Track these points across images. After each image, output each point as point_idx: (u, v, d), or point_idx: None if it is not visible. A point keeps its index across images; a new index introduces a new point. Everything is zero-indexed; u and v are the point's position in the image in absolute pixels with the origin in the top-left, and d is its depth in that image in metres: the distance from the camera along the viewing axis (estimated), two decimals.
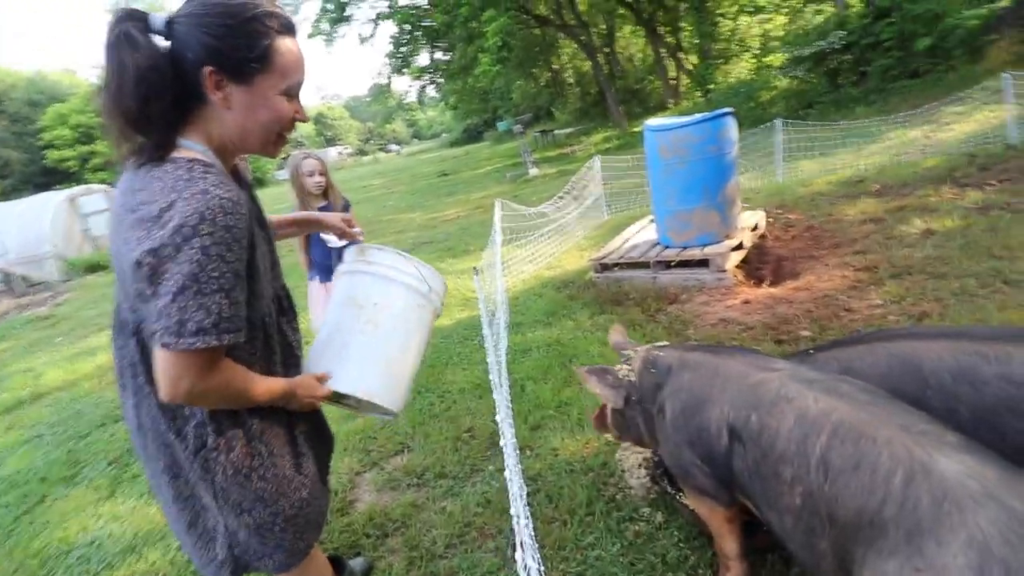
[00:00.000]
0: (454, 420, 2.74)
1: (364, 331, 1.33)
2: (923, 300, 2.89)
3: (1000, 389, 1.13)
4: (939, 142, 6.36)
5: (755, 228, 4.32)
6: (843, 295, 3.16)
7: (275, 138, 1.07)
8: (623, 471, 2.04)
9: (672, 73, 19.73)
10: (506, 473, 1.54)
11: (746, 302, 3.34)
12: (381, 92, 22.25)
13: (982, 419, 1.15)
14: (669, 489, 1.76)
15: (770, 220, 4.81)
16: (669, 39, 19.62)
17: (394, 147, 66.30)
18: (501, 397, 2.14)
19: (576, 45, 20.90)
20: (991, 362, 1.16)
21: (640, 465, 2.02)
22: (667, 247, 4.02)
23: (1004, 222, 3.66)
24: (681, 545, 1.68)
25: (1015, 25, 8.65)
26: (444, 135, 59.94)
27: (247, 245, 0.96)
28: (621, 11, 19.73)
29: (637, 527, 1.79)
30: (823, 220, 4.70)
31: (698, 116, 3.68)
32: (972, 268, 3.11)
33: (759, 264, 4.15)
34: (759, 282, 3.83)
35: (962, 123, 6.84)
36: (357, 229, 1.53)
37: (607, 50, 21.58)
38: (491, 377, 2.37)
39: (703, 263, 3.76)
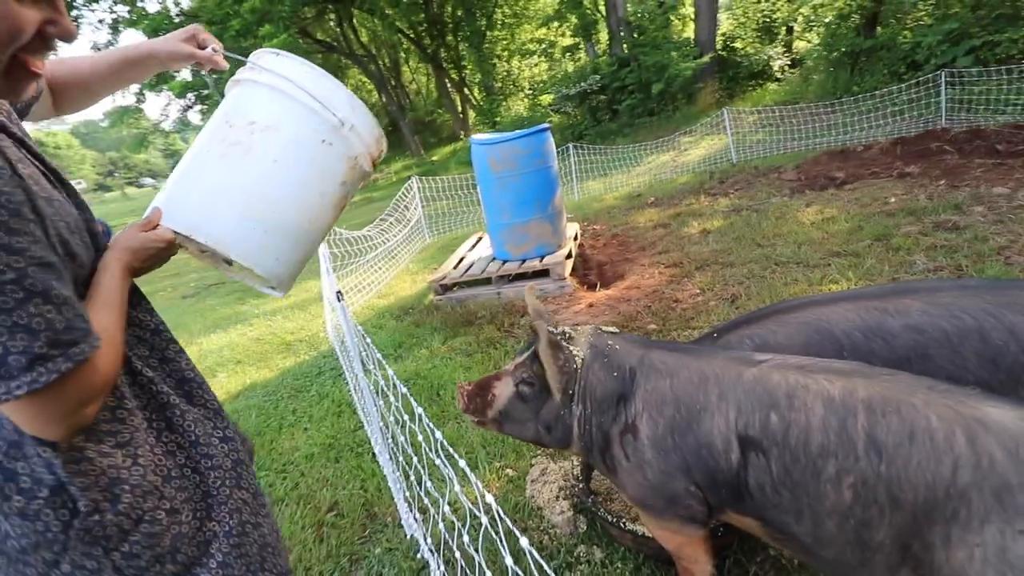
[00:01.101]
0: (308, 500, 2.15)
1: (226, 155, 0.94)
2: (728, 286, 3.37)
3: (908, 339, 1.22)
4: (683, 163, 7.87)
5: (575, 238, 4.61)
6: (667, 289, 3.51)
7: (9, 65, 0.62)
8: (539, 508, 1.82)
9: (459, 107, 20.79)
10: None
11: (591, 305, 3.47)
12: (123, 114, 18.20)
13: (898, 368, 1.23)
14: (600, 512, 1.59)
15: (580, 231, 5.23)
16: (453, 74, 20.67)
17: (149, 180, 55.33)
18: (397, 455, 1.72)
19: (364, 75, 20.48)
20: (894, 315, 1.26)
21: (558, 496, 1.82)
22: (506, 261, 3.99)
23: (754, 219, 4.58)
24: None
25: (713, 76, 11.42)
26: None
27: (34, 215, 0.63)
28: (405, 44, 20.08)
29: (578, 573, 1.58)
30: (623, 228, 5.31)
31: (521, 131, 3.77)
32: (749, 256, 3.78)
33: (584, 271, 4.42)
34: (591, 287, 4.06)
35: (695, 149, 8.60)
36: (215, 45, 1.08)
37: (393, 82, 21.69)
38: (371, 433, 1.91)
39: (543, 273, 3.82)
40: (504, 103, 19.33)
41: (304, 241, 1.02)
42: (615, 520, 1.53)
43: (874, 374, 0.97)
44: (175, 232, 0.90)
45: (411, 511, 1.83)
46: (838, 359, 1.29)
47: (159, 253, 0.88)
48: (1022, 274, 2.70)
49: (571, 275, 4.15)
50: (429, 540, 1.70)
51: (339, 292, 1.62)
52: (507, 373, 1.36)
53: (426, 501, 1.69)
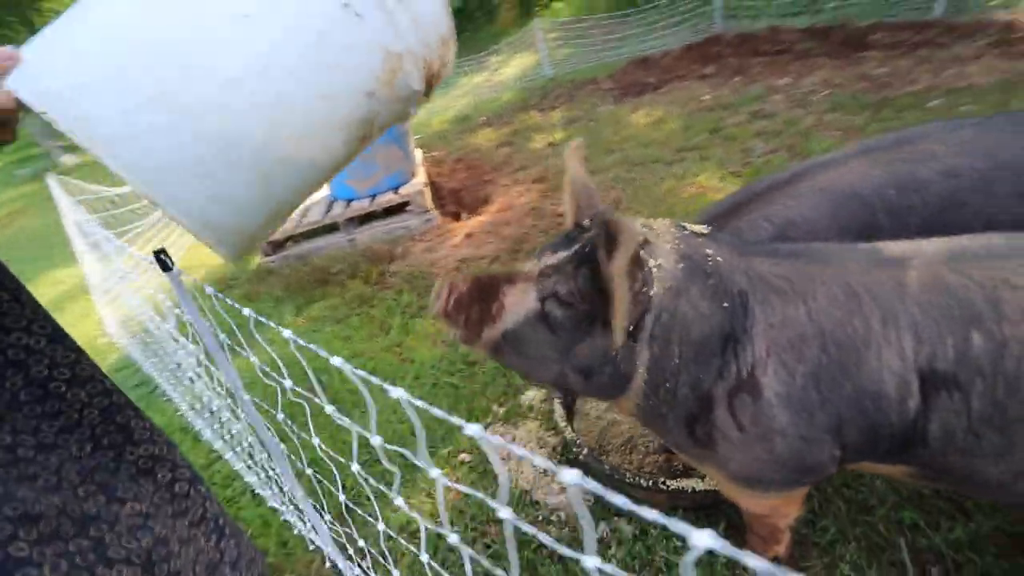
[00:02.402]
0: None
1: None
2: (604, 191, 3.21)
3: (944, 186, 1.08)
4: (500, 82, 7.57)
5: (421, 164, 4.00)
6: (544, 205, 3.22)
7: None
8: (526, 492, 1.40)
9: None
10: None
11: (469, 235, 3.01)
12: None
13: (933, 223, 1.09)
14: (627, 478, 1.24)
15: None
16: None
17: None
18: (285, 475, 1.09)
19: None
20: (923, 162, 1.10)
21: (544, 472, 1.42)
22: (351, 200, 3.22)
23: (593, 128, 4.54)
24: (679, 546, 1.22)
25: None
26: None
27: None
28: None
29: (615, 561, 1.23)
30: (464, 152, 4.83)
31: None
32: (606, 162, 3.69)
33: (439, 200, 3.88)
34: (454, 217, 3.56)
35: (506, 67, 8.33)
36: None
37: None
38: (236, 462, 1.22)
39: (400, 208, 3.18)
40: None
41: (276, 176, 0.60)
42: (640, 480, 1.20)
43: None
44: (18, 101, 0.51)
45: (352, 563, 1.26)
46: (871, 219, 1.10)
47: None
48: (841, 145, 3.04)
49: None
50: None
51: (162, 251, 0.87)
52: (527, 278, 0.84)
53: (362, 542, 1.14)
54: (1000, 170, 1.04)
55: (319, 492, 1.32)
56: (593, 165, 3.69)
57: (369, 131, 0.68)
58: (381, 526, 0.99)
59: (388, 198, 3.12)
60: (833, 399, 0.77)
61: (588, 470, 1.35)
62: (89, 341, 2.94)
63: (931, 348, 0.72)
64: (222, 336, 1.03)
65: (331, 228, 3.15)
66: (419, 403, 0.62)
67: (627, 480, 1.23)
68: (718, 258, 0.83)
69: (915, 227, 1.09)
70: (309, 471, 1.20)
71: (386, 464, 0.81)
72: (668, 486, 1.19)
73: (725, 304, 0.81)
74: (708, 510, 1.26)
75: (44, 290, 4.18)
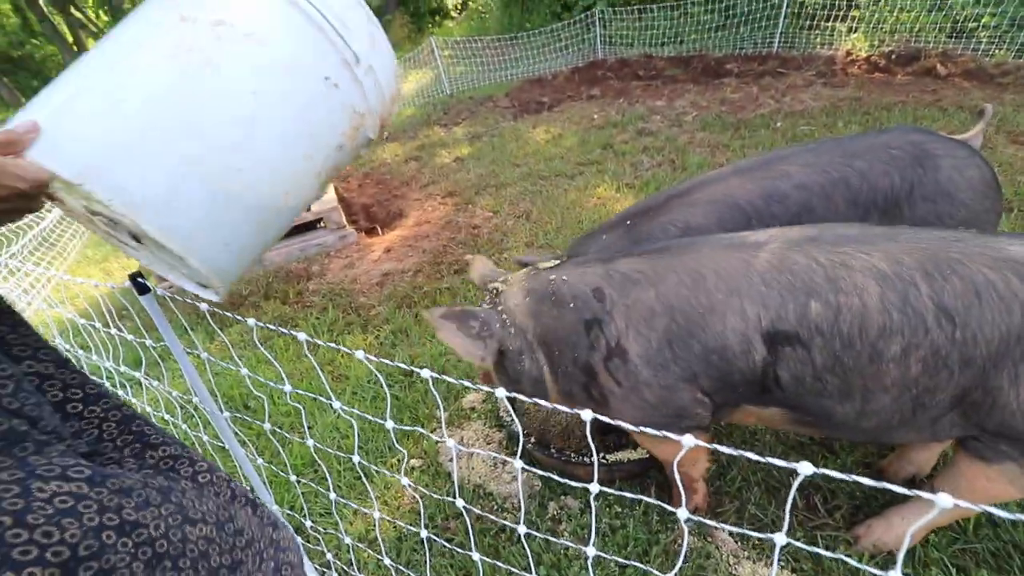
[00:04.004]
0: None
1: (176, 61, 0.61)
2: (514, 204, 3.40)
3: (798, 197, 1.38)
4: (400, 98, 7.53)
5: None
6: (458, 218, 3.33)
7: None
8: (480, 486, 1.49)
9: (69, 35, 14.87)
10: None
11: (388, 250, 3.02)
12: None
13: (793, 225, 1.38)
14: (566, 457, 1.39)
15: None
16: None
17: None
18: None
19: None
20: (780, 178, 1.39)
21: (495, 464, 1.53)
22: None
23: (497, 143, 4.74)
24: (620, 511, 1.39)
25: (396, 9, 11.07)
26: None
27: None
28: None
29: (565, 535, 1.36)
30: (371, 167, 4.79)
31: None
32: (513, 175, 3.89)
33: (351, 216, 3.83)
34: (368, 232, 3.54)
35: (405, 83, 8.30)
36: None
37: None
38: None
39: (311, 225, 3.11)
40: None
41: (271, 223, 0.73)
42: (583, 458, 1.37)
43: (895, 235, 0.95)
44: (52, 174, 0.54)
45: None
46: (746, 227, 1.38)
47: (10, 198, 0.53)
48: (711, 159, 3.52)
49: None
50: None
51: (138, 274, 0.84)
52: (468, 355, 1.16)
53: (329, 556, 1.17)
54: (835, 184, 1.36)
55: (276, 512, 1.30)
56: (502, 178, 3.88)
57: (333, 176, 0.81)
58: (347, 539, 1.03)
59: (302, 216, 3.03)
60: (684, 355, 1.03)
61: (535, 457, 1.48)
62: None
63: (775, 313, 0.95)
64: (138, 374, 1.01)
65: None
66: (368, 416, 0.71)
67: (571, 460, 1.38)
68: (563, 277, 1.15)
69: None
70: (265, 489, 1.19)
71: (329, 480, 0.87)
72: (607, 459, 1.36)
73: (571, 304, 1.11)
74: (640, 478, 1.45)
75: None
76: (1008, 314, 0.82)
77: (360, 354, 0.74)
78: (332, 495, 1.08)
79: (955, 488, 1.01)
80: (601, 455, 1.37)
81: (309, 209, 3.09)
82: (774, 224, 1.38)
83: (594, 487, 0.65)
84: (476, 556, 0.82)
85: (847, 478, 0.47)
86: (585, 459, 1.36)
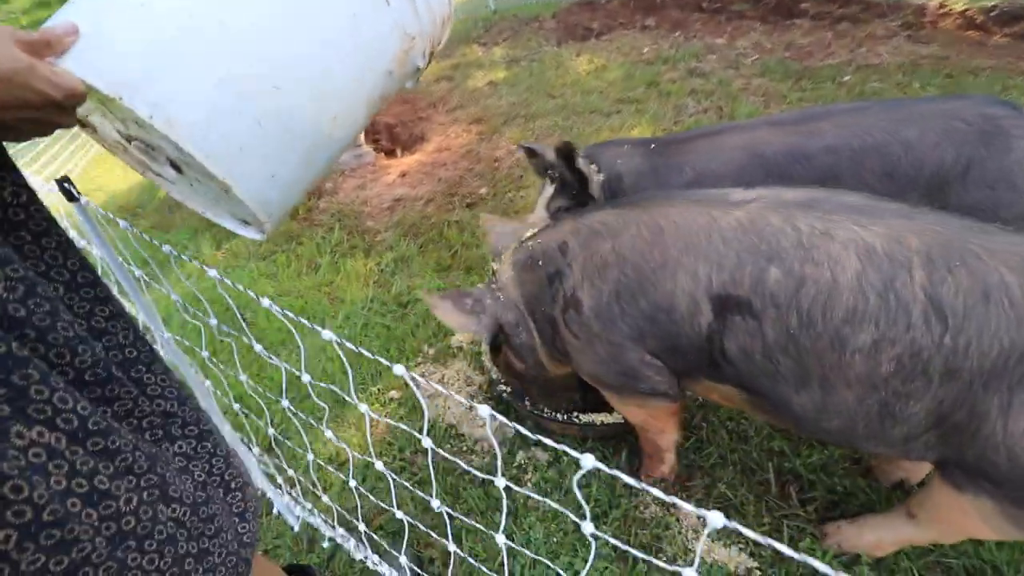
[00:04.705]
0: None
1: None
2: (542, 139, 3.21)
3: (823, 160, 1.22)
4: None
5: None
6: (481, 147, 3.18)
7: None
8: (452, 426, 1.49)
9: None
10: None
11: (404, 175, 2.93)
12: None
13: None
14: (537, 411, 1.36)
15: None
16: None
17: None
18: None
19: None
20: (810, 137, 1.23)
21: (471, 406, 1.50)
22: None
23: (536, 69, 4.44)
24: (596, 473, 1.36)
25: None
26: None
27: None
28: None
29: (528, 485, 1.35)
30: None
31: None
32: (546, 107, 3.66)
33: (373, 135, 3.71)
34: (388, 153, 3.43)
35: None
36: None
37: None
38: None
39: None
40: None
41: (318, 153, 0.67)
42: (556, 415, 1.33)
43: (914, 214, 0.81)
44: (89, 85, 0.50)
45: (280, 491, 1.30)
46: (764, 182, 1.25)
47: (41, 107, 0.46)
48: (763, 111, 3.21)
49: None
50: (319, 516, 1.24)
51: (66, 179, 0.79)
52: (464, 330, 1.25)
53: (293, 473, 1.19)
54: (869, 151, 1.19)
55: (247, 427, 1.33)
56: (534, 109, 3.66)
57: (383, 105, 0.76)
58: (310, 456, 1.03)
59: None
60: (631, 311, 0.97)
61: (510, 407, 1.46)
62: None
63: (728, 275, 0.86)
64: (137, 272, 0.99)
65: None
66: (349, 345, 0.66)
67: (544, 415, 1.35)
68: (537, 240, 1.13)
69: None
70: (236, 406, 1.21)
71: (316, 400, 0.84)
72: (579, 419, 1.32)
73: (540, 262, 1.09)
74: (613, 440, 1.42)
75: None
76: (1017, 327, 0.69)
77: (265, 301, 0.69)
78: (292, 418, 1.08)
79: (928, 513, 0.93)
80: (575, 415, 1.33)
81: None
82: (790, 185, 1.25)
83: (500, 481, 0.60)
84: (435, 503, 0.80)
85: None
86: (557, 416, 1.33)
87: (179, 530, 0.54)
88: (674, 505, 1.26)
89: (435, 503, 0.75)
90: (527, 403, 1.38)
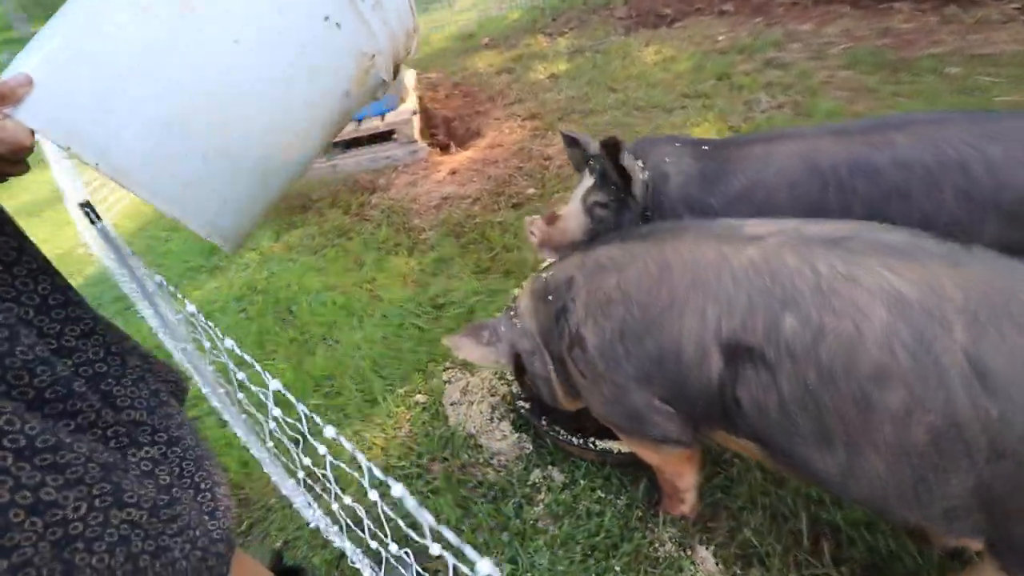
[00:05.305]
0: None
1: (150, 12, 0.56)
2: (596, 136, 3.10)
3: (893, 176, 1.09)
4: None
5: (413, 89, 3.81)
6: (533, 145, 3.13)
7: None
8: (471, 436, 1.48)
9: None
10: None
11: (454, 172, 2.94)
12: None
13: (875, 209, 1.11)
14: (554, 433, 1.33)
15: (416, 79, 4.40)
16: None
17: None
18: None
19: None
20: (880, 149, 1.10)
21: (492, 418, 1.50)
22: None
23: (599, 61, 4.29)
24: (603, 497, 1.31)
25: None
26: None
27: None
28: None
29: (540, 506, 1.33)
30: (463, 75, 4.60)
31: None
32: (606, 101, 3.53)
33: (431, 129, 3.75)
34: (442, 148, 3.46)
35: None
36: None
37: None
38: (204, 389, 1.28)
39: (385, 136, 3.08)
40: None
41: (273, 177, 0.69)
42: (572, 438, 1.29)
43: (964, 259, 0.70)
44: (35, 139, 0.54)
45: (301, 490, 1.35)
46: (821, 195, 1.14)
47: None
48: (847, 107, 2.91)
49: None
50: (326, 521, 1.27)
51: (87, 205, 0.86)
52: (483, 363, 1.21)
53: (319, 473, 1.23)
54: (947, 168, 1.05)
55: (268, 421, 1.39)
56: (593, 104, 3.54)
57: (343, 124, 0.76)
58: (325, 458, 1.07)
59: (373, 124, 3.01)
60: (637, 353, 0.90)
61: (529, 424, 1.43)
62: (67, 252, 2.95)
63: (739, 320, 0.78)
64: (157, 279, 1.04)
65: None
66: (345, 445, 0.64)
67: (560, 437, 1.31)
68: (551, 272, 1.10)
69: (859, 210, 1.12)
70: (270, 400, 1.26)
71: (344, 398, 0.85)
72: (596, 445, 1.27)
73: (550, 296, 1.05)
74: (632, 468, 1.35)
75: (16, 194, 4.11)
76: None
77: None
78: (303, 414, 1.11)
79: None
80: (592, 440, 1.28)
81: (383, 119, 3.05)
82: (854, 202, 1.12)
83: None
84: (426, 519, 0.80)
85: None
86: (572, 439, 1.29)
87: (134, 531, 0.58)
88: (691, 547, 1.20)
89: (393, 548, 0.73)
90: (544, 422, 1.34)
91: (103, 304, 2.41)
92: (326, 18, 0.63)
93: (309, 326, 2.00)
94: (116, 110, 0.56)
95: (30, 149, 0.53)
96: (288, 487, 1.34)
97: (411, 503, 0.45)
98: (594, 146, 1.44)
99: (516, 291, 1.97)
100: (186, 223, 0.63)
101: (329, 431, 0.61)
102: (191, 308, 0.99)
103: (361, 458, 0.54)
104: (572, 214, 1.39)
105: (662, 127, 3.10)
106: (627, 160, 1.31)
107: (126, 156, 0.57)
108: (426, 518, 0.45)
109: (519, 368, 1.18)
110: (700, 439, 1.02)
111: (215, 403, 1.26)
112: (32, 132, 0.54)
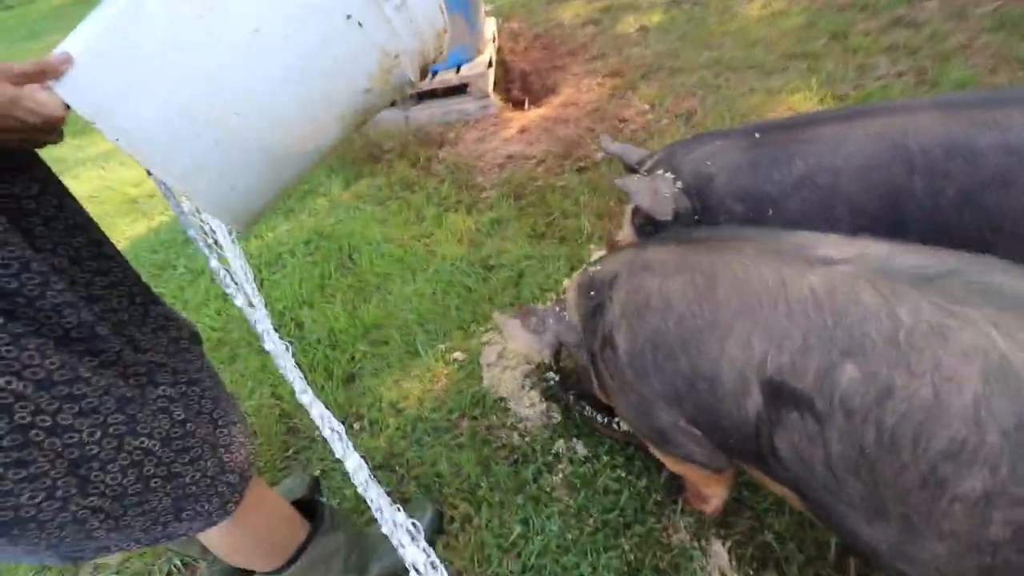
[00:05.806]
0: None
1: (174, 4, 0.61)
2: (680, 99, 2.90)
3: (995, 161, 0.93)
4: None
5: (493, 39, 3.72)
6: (609, 105, 2.98)
7: None
8: (502, 400, 1.51)
9: None
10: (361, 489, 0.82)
11: (523, 130, 2.88)
12: None
13: (969, 197, 0.96)
14: (583, 411, 1.32)
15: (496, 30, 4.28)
16: None
17: None
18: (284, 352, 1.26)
19: None
20: (988, 129, 0.94)
21: (523, 385, 1.52)
22: None
23: (697, 13, 3.93)
24: (623, 476, 1.31)
25: None
26: None
27: None
28: None
29: (560, 474, 1.34)
30: (545, 26, 4.41)
31: None
32: (698, 60, 3.26)
33: (507, 83, 3.67)
34: (516, 104, 3.38)
35: None
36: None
37: None
38: (259, 327, 1.40)
39: (460, 89, 3.05)
40: None
41: (285, 167, 0.71)
42: (601, 417, 1.28)
43: None
44: (67, 111, 0.59)
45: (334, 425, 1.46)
46: (906, 180, 1.00)
47: (25, 130, 0.56)
48: (988, 77, 2.49)
49: (493, 89, 3.41)
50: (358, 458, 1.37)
51: None
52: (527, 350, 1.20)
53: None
54: None
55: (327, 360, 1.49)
56: (681, 62, 3.29)
57: (366, 118, 0.77)
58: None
59: (448, 77, 2.99)
60: (668, 367, 0.83)
61: (556, 397, 1.44)
62: (122, 189, 3.24)
63: (789, 360, 0.68)
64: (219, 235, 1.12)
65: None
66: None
67: (586, 412, 1.30)
68: (596, 267, 1.07)
69: (950, 198, 0.98)
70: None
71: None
72: (620, 427, 1.25)
73: (592, 292, 1.01)
74: None
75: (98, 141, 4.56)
76: None
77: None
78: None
79: None
80: (617, 420, 1.27)
81: (458, 71, 3.02)
82: (946, 189, 0.97)
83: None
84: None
85: None
86: (597, 416, 1.28)
87: (147, 457, 0.67)
88: (706, 539, 1.17)
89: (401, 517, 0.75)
90: (571, 396, 1.34)
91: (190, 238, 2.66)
92: (348, 16, 0.65)
93: (367, 275, 2.10)
94: (139, 94, 0.61)
95: (62, 119, 0.60)
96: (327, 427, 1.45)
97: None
98: (635, 156, 1.36)
99: (566, 259, 1.93)
100: (196, 202, 0.68)
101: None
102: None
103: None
104: (628, 237, 1.36)
105: (755, 92, 2.83)
106: (640, 185, 1.21)
107: (144, 137, 0.62)
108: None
109: (556, 359, 1.20)
110: (736, 466, 0.95)
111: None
112: (66, 105, 0.60)
